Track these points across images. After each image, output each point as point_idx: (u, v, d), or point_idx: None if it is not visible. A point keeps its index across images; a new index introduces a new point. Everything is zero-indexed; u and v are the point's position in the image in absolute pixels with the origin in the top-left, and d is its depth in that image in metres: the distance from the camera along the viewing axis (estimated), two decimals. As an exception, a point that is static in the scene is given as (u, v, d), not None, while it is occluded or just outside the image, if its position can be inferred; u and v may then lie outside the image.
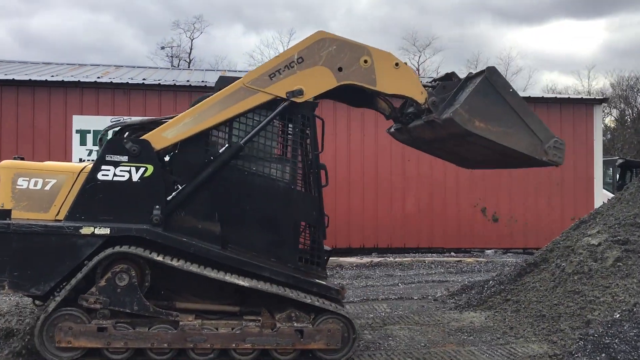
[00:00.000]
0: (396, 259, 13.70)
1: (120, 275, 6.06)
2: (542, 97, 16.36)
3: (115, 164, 6.30)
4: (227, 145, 6.55)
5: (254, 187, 6.64)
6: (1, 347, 6.51)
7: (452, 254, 14.84)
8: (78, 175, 6.38)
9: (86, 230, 6.12)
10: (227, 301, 6.58)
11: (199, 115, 6.45)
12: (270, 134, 6.79)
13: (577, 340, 6.56)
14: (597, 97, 18.40)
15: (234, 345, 6.14)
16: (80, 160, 13.77)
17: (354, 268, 13.02)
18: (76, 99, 14.03)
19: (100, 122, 13.18)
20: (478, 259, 14.02)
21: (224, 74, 18.30)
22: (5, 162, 6.57)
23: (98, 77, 14.86)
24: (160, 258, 6.15)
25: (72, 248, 6.13)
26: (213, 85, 14.14)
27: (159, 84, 14.39)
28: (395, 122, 7.70)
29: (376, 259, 13.70)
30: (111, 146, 6.38)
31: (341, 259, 13.67)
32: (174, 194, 6.39)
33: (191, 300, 6.56)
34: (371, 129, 14.97)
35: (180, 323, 6.11)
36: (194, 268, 6.17)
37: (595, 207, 11.70)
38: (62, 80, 14.30)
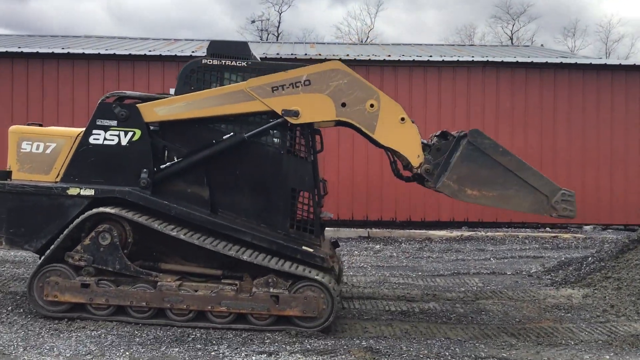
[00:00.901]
0: (487, 234, 13.38)
1: (103, 234, 6.40)
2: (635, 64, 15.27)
3: (105, 128, 6.64)
4: (231, 134, 6.60)
5: (244, 153, 6.67)
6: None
7: (548, 229, 14.31)
8: (75, 140, 6.75)
9: (72, 191, 6.54)
10: (210, 264, 6.72)
11: (194, 102, 6.54)
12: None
13: (687, 321, 6.19)
14: None
15: (209, 307, 6.30)
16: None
17: (444, 242, 12.83)
18: (173, 73, 14.47)
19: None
20: (575, 234, 13.46)
21: (312, 46, 18.33)
22: (12, 127, 7.07)
23: (192, 52, 15.23)
24: (136, 218, 6.39)
25: (61, 208, 6.55)
26: (302, 57, 14.30)
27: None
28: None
29: (466, 233, 13.44)
30: (101, 111, 6.68)
31: (430, 232, 13.50)
32: (167, 164, 6.61)
33: (178, 262, 6.77)
34: (463, 96, 14.56)
35: (159, 283, 6.36)
36: (167, 230, 6.38)
37: None
38: (160, 55, 14.79)
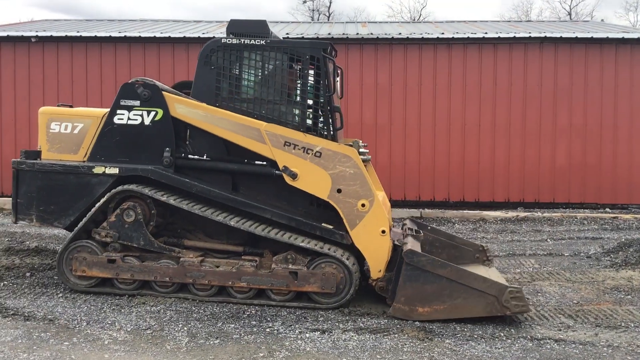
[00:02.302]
0: (544, 214, 13.09)
1: (128, 211, 6.65)
2: None
3: (129, 108, 6.84)
4: (264, 163, 6.73)
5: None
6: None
7: (607, 210, 13.89)
8: (101, 120, 6.94)
9: (98, 169, 6.79)
10: (232, 241, 6.88)
11: (211, 117, 6.68)
12: (280, 79, 6.78)
13: None
14: None
15: (230, 282, 6.46)
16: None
17: (499, 222, 12.62)
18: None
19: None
20: (636, 215, 13.03)
21: (364, 26, 18.16)
22: (42, 108, 7.31)
23: (244, 33, 15.33)
24: (157, 195, 6.58)
25: (87, 186, 6.82)
26: (354, 36, 14.20)
27: (302, 37, 14.58)
28: None
29: (522, 214, 13.18)
30: (125, 91, 6.86)
31: (484, 212, 13.29)
32: (195, 157, 6.82)
33: (201, 239, 6.96)
34: (519, 73, 14.22)
35: (181, 259, 6.55)
36: (183, 205, 6.55)
37: None
38: (213, 37, 14.90)
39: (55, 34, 14.68)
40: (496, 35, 14.26)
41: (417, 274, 6.04)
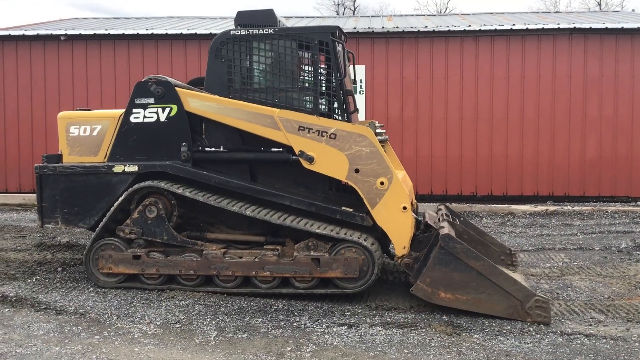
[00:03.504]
0: (574, 208, 12.90)
1: (150, 207, 6.74)
2: None
3: (144, 107, 6.92)
4: (280, 149, 6.75)
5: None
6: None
7: (639, 203, 13.63)
8: (118, 120, 7.03)
9: (118, 168, 6.89)
10: (254, 232, 6.92)
11: (225, 108, 6.72)
12: (291, 66, 6.80)
13: None
14: None
15: (253, 272, 6.48)
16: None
17: (527, 216, 12.48)
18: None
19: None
20: (670, 209, 12.75)
21: (389, 19, 18.06)
22: (60, 113, 7.44)
23: (270, 29, 15.33)
24: (174, 189, 6.66)
25: (109, 185, 6.93)
26: (380, 30, 14.14)
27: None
28: None
29: (552, 208, 13.01)
30: (139, 90, 6.95)
31: (513, 206, 13.16)
32: (212, 149, 6.87)
33: (224, 231, 7.02)
34: (548, 65, 14.01)
35: (204, 252, 6.60)
36: (199, 197, 6.61)
37: None
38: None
39: (83, 32, 14.88)
40: (524, 27, 14.06)
41: (449, 259, 5.99)
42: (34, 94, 14.88)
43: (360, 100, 14.19)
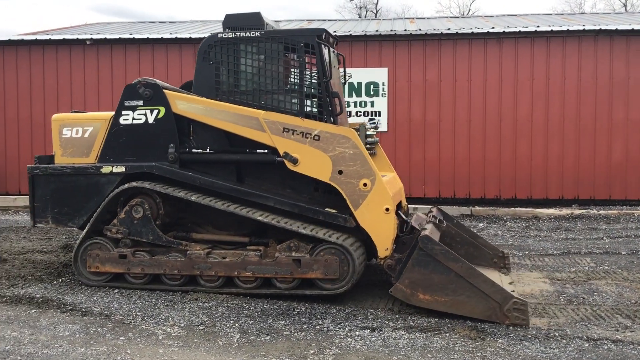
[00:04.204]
0: (600, 212, 12.73)
1: (136, 208, 6.86)
2: None
3: (133, 109, 7.05)
4: (265, 151, 6.81)
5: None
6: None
7: (667, 207, 13.40)
8: (108, 122, 7.16)
9: (106, 169, 7.02)
10: (239, 232, 6.98)
11: (211, 110, 6.80)
12: (277, 68, 6.85)
13: None
14: None
15: (236, 273, 6.55)
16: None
17: (552, 220, 12.34)
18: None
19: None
20: (699, 213, 12.51)
21: (412, 22, 18.01)
22: (54, 115, 7.62)
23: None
24: (157, 188, 6.77)
25: (97, 186, 7.05)
26: (402, 33, 14.09)
27: (350, 35, 14.55)
28: None
29: (577, 211, 12.85)
30: (128, 92, 7.07)
31: (538, 210, 13.02)
32: (199, 150, 6.96)
33: (211, 232, 7.09)
34: (574, 67, 13.84)
35: (188, 252, 6.68)
36: (180, 194, 6.70)
37: None
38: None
39: (109, 36, 15.08)
40: (549, 29, 13.93)
41: (427, 261, 6.04)
42: (60, 98, 15.09)
43: (382, 103, 14.18)
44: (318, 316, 6.05)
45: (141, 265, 6.81)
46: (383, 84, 14.18)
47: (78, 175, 7.14)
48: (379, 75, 14.24)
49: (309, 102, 6.91)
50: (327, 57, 6.84)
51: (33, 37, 15.32)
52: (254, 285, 6.63)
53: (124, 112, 7.09)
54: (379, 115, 14.18)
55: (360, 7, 46.78)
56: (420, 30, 14.48)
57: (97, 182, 7.08)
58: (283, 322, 5.86)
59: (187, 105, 6.94)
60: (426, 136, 14.10)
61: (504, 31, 14.01)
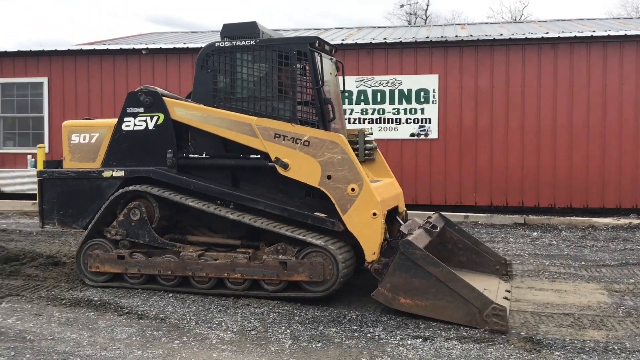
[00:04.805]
0: (660, 221, 12.29)
1: (134, 210, 7.14)
2: None
3: (135, 115, 7.35)
4: (258, 156, 7.00)
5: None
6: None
7: None
8: (113, 129, 7.47)
9: (107, 173, 7.36)
10: (232, 235, 7.17)
11: (207, 116, 7.04)
12: (271, 76, 7.04)
13: None
14: None
15: (225, 274, 6.74)
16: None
17: (610, 230, 11.99)
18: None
19: (347, 83, 13.71)
20: None
21: (462, 28, 17.81)
22: (64, 122, 7.98)
23: (342, 40, 15.46)
24: (153, 191, 7.05)
25: (99, 189, 7.40)
26: (453, 39, 13.96)
27: (400, 41, 14.51)
28: None
29: (636, 221, 12.45)
30: (130, 100, 7.38)
31: (594, 219, 12.66)
32: (195, 155, 7.20)
33: (206, 234, 7.31)
34: (631, 71, 13.43)
35: (181, 254, 6.91)
36: (175, 198, 6.97)
37: None
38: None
39: (163, 46, 15.45)
40: (605, 34, 13.57)
41: (408, 265, 6.08)
42: (117, 106, 15.51)
43: (432, 110, 14.07)
44: (369, 324, 6.04)
45: (137, 265, 7.12)
46: (434, 91, 14.07)
47: (82, 179, 7.53)
48: (430, 81, 14.15)
49: (302, 109, 7.11)
50: (319, 64, 6.99)
51: (91, 47, 15.82)
52: (243, 287, 6.85)
53: (126, 119, 7.42)
54: (430, 122, 14.08)
55: (410, 14, 46.58)
56: (471, 36, 14.32)
57: (99, 186, 7.44)
58: (334, 329, 5.87)
59: (185, 112, 7.23)
60: (477, 143, 13.91)
61: (558, 36, 13.72)
